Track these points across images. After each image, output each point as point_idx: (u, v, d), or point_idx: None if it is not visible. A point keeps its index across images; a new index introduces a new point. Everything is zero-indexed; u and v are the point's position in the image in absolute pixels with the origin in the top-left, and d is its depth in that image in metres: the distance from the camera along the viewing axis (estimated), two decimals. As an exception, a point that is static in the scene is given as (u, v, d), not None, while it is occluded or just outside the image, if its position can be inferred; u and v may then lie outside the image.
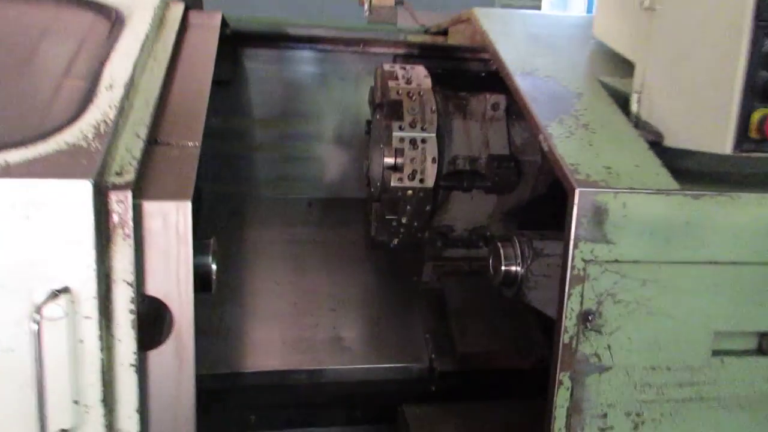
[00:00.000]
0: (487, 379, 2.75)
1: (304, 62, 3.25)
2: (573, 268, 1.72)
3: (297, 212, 3.28)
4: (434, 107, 2.53)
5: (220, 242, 3.01)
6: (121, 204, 1.55)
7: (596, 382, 1.80)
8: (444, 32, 3.28)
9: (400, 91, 2.53)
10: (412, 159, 2.45)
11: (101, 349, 1.56)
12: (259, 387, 2.71)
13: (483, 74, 3.18)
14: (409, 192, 2.47)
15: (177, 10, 2.40)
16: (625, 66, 2.21)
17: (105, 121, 1.66)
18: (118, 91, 1.78)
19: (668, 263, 1.77)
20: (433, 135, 2.45)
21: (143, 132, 1.75)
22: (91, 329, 1.54)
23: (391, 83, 2.55)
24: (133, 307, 1.60)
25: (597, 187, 1.71)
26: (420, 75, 2.62)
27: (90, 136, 1.61)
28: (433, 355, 2.79)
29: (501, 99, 2.68)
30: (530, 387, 2.65)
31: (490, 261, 2.41)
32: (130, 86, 1.84)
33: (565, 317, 1.74)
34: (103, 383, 1.58)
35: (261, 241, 3.13)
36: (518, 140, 2.71)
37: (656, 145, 1.96)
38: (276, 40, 3.17)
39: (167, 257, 1.64)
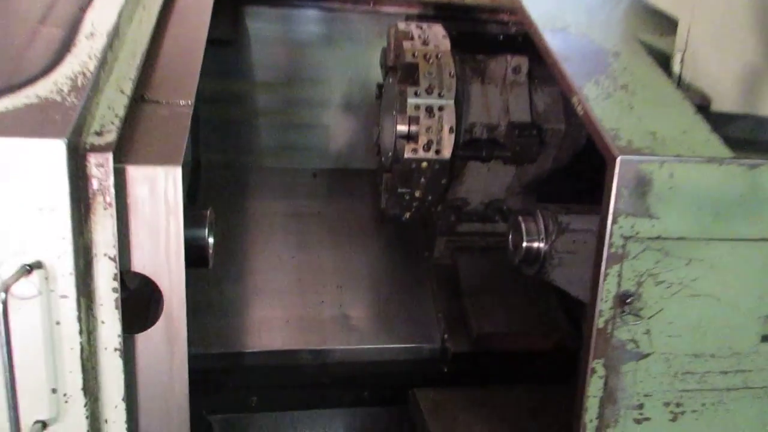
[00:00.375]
0: (504, 362, 2.58)
1: (310, 22, 3.03)
2: (611, 245, 1.53)
3: (302, 183, 3.10)
4: (452, 71, 2.30)
5: (219, 214, 2.82)
6: (101, 168, 1.36)
7: (633, 370, 1.62)
8: None
9: (416, 53, 2.30)
10: (428, 128, 2.24)
11: (80, 332, 1.39)
12: (260, 367, 2.55)
13: (501, 36, 2.97)
14: (424, 164, 2.28)
15: (170, -43, 2.18)
16: (666, 23, 1.99)
17: (83, 73, 1.46)
18: (100, 41, 1.58)
19: (717, 240, 1.58)
20: (452, 102, 2.24)
21: (128, 87, 1.55)
22: (68, 309, 1.37)
23: (407, 44, 2.33)
24: (116, 284, 1.42)
25: (640, 155, 1.51)
26: (438, 35, 2.40)
27: (65, 89, 1.41)
28: (446, 335, 2.63)
29: (523, 61, 2.46)
30: (551, 370, 2.50)
31: (510, 237, 2.23)
32: (114, 36, 1.63)
33: (601, 299, 1.56)
34: (84, 370, 1.41)
35: (263, 213, 2.95)
36: (541, 106, 2.49)
37: (703, 109, 1.75)
38: None
39: (155, 229, 1.45)
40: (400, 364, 2.64)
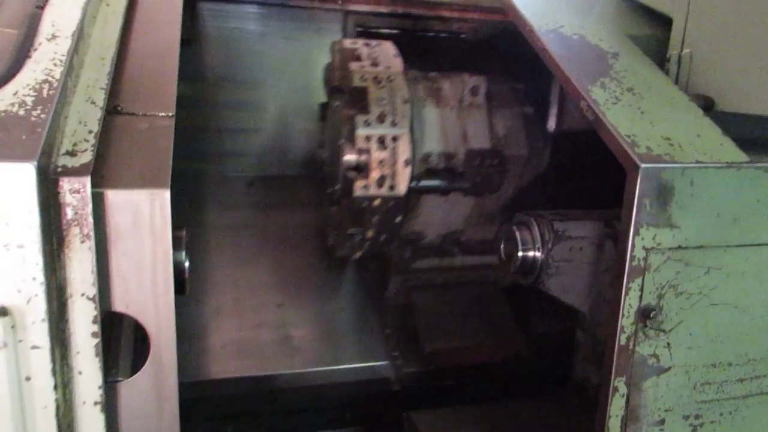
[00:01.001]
0: (457, 377, 2.46)
1: (248, 19, 2.83)
2: (633, 258, 1.45)
3: (237, 192, 2.81)
4: (406, 96, 2.05)
5: None
6: (76, 194, 1.17)
7: (654, 386, 1.55)
8: None
9: (365, 76, 2.04)
10: (380, 161, 1.98)
11: (55, 387, 1.19)
12: (195, 399, 2.33)
13: (464, 36, 2.83)
14: (377, 201, 2.02)
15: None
16: (657, 20, 1.94)
17: (49, 82, 1.26)
18: (65, 43, 1.37)
19: (734, 247, 1.53)
20: (407, 131, 1.99)
21: (100, 97, 1.35)
22: (41, 362, 1.17)
23: (354, 66, 2.07)
24: (96, 328, 1.23)
25: (662, 163, 1.43)
26: (389, 53, 2.14)
27: (29, 101, 1.20)
28: (395, 353, 2.46)
29: (481, 81, 2.26)
30: (507, 382, 2.43)
31: (501, 246, 2.13)
32: (80, 37, 1.43)
33: (623, 315, 1.48)
34: (60, 429, 1.21)
35: (195, 226, 2.69)
36: (500, 130, 2.28)
37: (707, 110, 1.70)
38: None
39: (140, 262, 1.27)
40: (350, 385, 2.46)
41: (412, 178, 2.10)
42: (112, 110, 1.39)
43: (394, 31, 2.81)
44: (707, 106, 1.72)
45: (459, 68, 2.49)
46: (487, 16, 2.77)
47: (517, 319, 2.54)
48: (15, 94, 1.20)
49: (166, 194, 1.24)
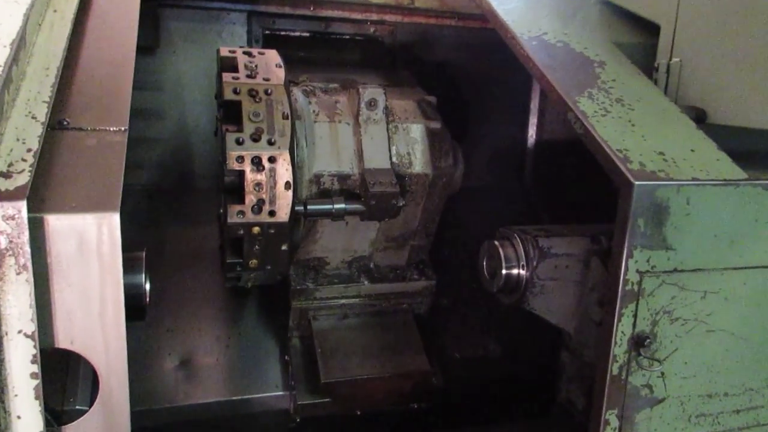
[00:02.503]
0: (360, 409, 2.29)
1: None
2: (626, 282, 1.36)
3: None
4: (287, 111, 1.82)
5: None
6: (11, 221, 1.04)
7: (647, 419, 1.46)
8: None
9: (238, 89, 1.81)
10: (256, 185, 1.74)
11: (-13, 437, 1.06)
12: None
13: (380, 38, 2.65)
14: (256, 229, 1.78)
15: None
16: (644, 28, 1.86)
17: (-20, 96, 1.13)
18: (2, 53, 1.24)
19: (732, 269, 1.44)
20: (286, 151, 1.75)
21: (42, 112, 1.22)
22: (-29, 409, 1.03)
23: (227, 77, 1.84)
24: (35, 369, 1.10)
25: (657, 180, 1.34)
26: (270, 63, 1.92)
27: (-44, 118, 1.07)
28: (292, 382, 2.25)
29: (378, 94, 2.06)
30: (411, 412, 2.30)
31: (484, 263, 2.03)
32: (21, 45, 1.29)
33: (615, 344, 1.38)
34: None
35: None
36: (402, 148, 2.09)
37: (699, 123, 1.62)
38: None
39: (86, 294, 1.14)
40: (248, 418, 2.28)
41: (301, 202, 1.92)
42: (57, 126, 1.26)
43: (304, 34, 2.68)
44: (699, 118, 1.63)
45: (369, 76, 2.34)
46: (408, 18, 2.68)
47: (430, 347, 2.36)
48: (-60, 108, 1.07)
49: (116, 217, 1.12)
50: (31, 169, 1.10)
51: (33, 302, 1.07)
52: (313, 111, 2.02)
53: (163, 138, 2.68)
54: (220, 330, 2.31)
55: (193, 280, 2.40)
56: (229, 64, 1.88)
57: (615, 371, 1.40)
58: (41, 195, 1.11)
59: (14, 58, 1.25)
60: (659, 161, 1.39)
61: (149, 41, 2.60)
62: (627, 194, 1.32)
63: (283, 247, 1.84)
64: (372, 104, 2.02)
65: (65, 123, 1.28)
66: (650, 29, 1.83)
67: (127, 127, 1.30)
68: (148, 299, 1.70)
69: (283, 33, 2.69)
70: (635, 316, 1.38)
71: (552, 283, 1.96)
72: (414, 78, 2.49)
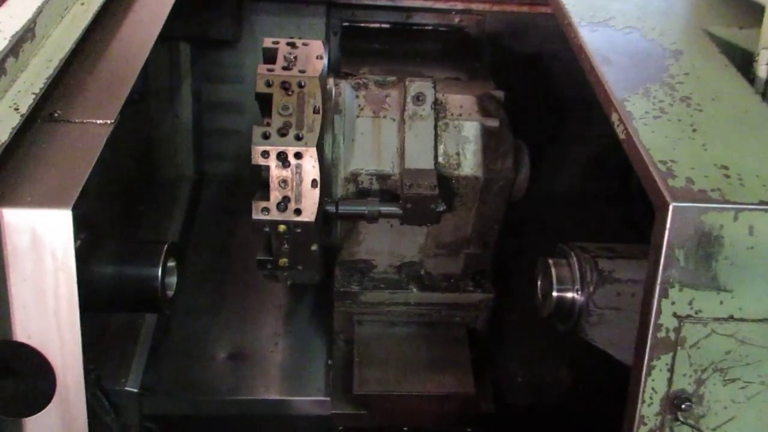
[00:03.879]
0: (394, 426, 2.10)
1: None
2: (658, 327, 1.09)
3: None
4: (318, 105, 1.70)
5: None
6: (-40, 213, 1.03)
7: (688, 500, 1.17)
8: None
9: (271, 81, 1.73)
10: (281, 181, 1.66)
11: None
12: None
13: (466, 29, 2.48)
14: (282, 227, 1.70)
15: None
16: (746, 11, 1.51)
17: (-42, 88, 1.14)
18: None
19: (817, 323, 1.10)
20: (313, 147, 1.65)
21: (26, 103, 1.22)
22: None
23: (262, 69, 1.76)
24: (-14, 362, 1.09)
25: (705, 201, 1.05)
26: (311, 55, 1.80)
27: (-76, 109, 1.08)
28: (331, 389, 2.12)
29: (426, 88, 1.89)
30: None
31: (539, 283, 1.79)
32: (24, 39, 1.30)
33: (642, 401, 1.11)
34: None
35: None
36: (452, 147, 1.91)
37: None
38: None
39: (41, 289, 1.11)
40: (293, 419, 2.15)
41: (333, 201, 1.80)
42: (47, 117, 1.26)
43: (384, 25, 2.57)
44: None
45: (440, 69, 2.17)
46: (498, 7, 2.48)
47: (483, 367, 2.14)
48: None
49: (67, 214, 1.07)
50: (-9, 160, 1.09)
51: (-16, 295, 1.06)
52: (359, 105, 1.90)
53: (243, 130, 2.71)
54: (273, 326, 2.27)
55: (257, 271, 2.40)
56: (270, 56, 1.81)
57: (643, 436, 1.13)
58: (2, 188, 1.10)
59: (11, 51, 1.26)
60: (717, 177, 1.10)
61: (232, 35, 2.62)
62: (661, 218, 1.05)
63: (313, 248, 1.75)
64: (419, 99, 1.87)
65: (56, 115, 1.27)
66: (754, 11, 1.49)
67: (113, 120, 1.26)
68: (171, 292, 1.70)
69: (362, 24, 2.59)
70: (671, 370, 1.10)
71: (613, 313, 1.68)
72: (487, 70, 2.28)
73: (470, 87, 2.02)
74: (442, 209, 1.80)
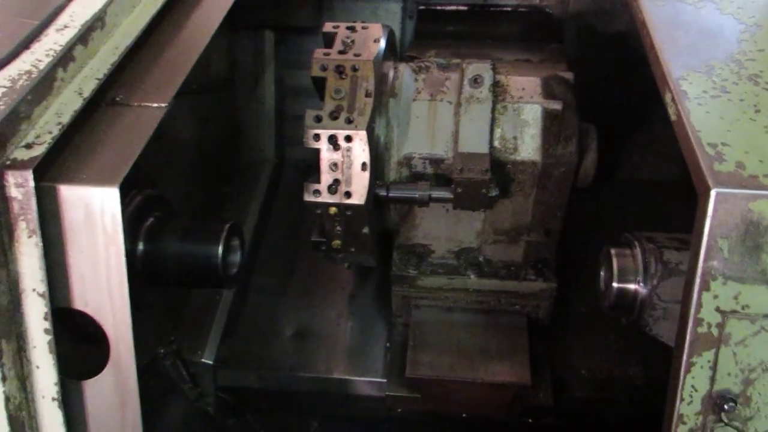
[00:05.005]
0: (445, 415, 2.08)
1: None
2: (699, 322, 1.01)
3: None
4: (370, 89, 1.70)
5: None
6: (20, 188, 1.13)
7: (734, 508, 1.08)
8: None
9: (326, 65, 1.74)
10: (332, 164, 1.68)
11: (3, 379, 1.18)
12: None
13: (548, 10, 2.38)
14: (332, 210, 1.73)
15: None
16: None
17: (30, 73, 1.25)
18: (69, 34, 1.36)
19: None
20: (363, 131, 1.65)
21: (89, 88, 1.31)
22: (-10, 353, 1.17)
23: (318, 53, 1.78)
24: (47, 325, 1.19)
25: (755, 188, 0.96)
26: (368, 39, 1.80)
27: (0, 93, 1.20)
28: (387, 371, 2.13)
29: (484, 70, 1.84)
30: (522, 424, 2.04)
31: (602, 273, 1.71)
32: (93, 28, 1.41)
33: (681, 399, 1.05)
34: (12, 423, 1.21)
35: None
36: (509, 131, 1.84)
37: None
38: None
39: (95, 261, 1.21)
40: (351, 399, 2.18)
41: (384, 185, 1.80)
42: (109, 102, 1.35)
43: (461, 8, 2.51)
44: None
45: (513, 51, 2.11)
46: None
47: (542, 358, 2.08)
48: (-8, 84, 1.20)
49: (115, 192, 1.16)
50: (52, 141, 1.18)
51: (43, 264, 1.16)
52: (416, 89, 1.88)
53: None
54: (338, 307, 2.32)
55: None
56: (329, 40, 1.83)
57: (683, 436, 1.06)
58: (62, 166, 1.19)
59: (80, 39, 1.36)
60: (772, 162, 1.00)
61: (312, 21, 2.68)
62: (703, 204, 0.97)
63: (365, 230, 1.76)
64: (477, 81, 1.82)
65: (117, 99, 1.36)
66: None
67: (167, 104, 1.34)
68: (234, 269, 1.78)
69: (438, 7, 2.56)
70: (714, 368, 1.03)
71: (679, 307, 1.57)
72: (566, 52, 2.18)
73: (538, 69, 1.95)
74: (495, 194, 1.76)
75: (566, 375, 2.08)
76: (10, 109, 1.16)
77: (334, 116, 1.69)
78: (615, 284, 1.60)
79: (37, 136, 1.20)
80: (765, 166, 1.00)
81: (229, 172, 2.72)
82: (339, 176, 1.69)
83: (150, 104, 1.34)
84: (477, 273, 2.03)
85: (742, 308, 1.00)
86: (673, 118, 1.13)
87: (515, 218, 1.95)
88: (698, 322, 1.01)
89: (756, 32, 1.29)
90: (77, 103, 1.28)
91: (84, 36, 1.37)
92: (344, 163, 1.68)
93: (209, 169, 2.51)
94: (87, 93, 1.30)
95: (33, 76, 1.24)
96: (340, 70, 1.74)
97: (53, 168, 1.18)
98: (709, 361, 1.03)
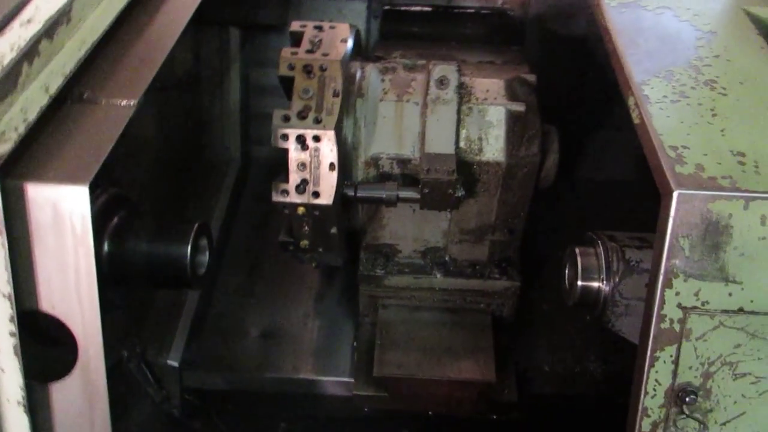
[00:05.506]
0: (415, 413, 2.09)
1: None
2: (662, 318, 1.05)
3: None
4: (338, 88, 1.71)
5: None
6: (-17, 188, 1.11)
7: (693, 498, 1.13)
8: None
9: (293, 64, 1.75)
10: (300, 164, 1.69)
11: (-34, 383, 1.15)
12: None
13: (510, 12, 2.43)
14: (300, 210, 1.73)
15: None
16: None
17: (-9, 70, 1.21)
18: (34, 28, 1.33)
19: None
20: (331, 131, 1.66)
21: (56, 84, 1.29)
22: (-50, 355, 1.14)
23: (285, 53, 1.78)
24: (12, 328, 1.17)
25: (713, 189, 1.01)
26: (336, 38, 1.82)
27: (-39, 90, 1.17)
28: (354, 370, 2.14)
29: (450, 71, 1.87)
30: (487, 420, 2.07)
31: (566, 271, 1.76)
32: (58, 22, 1.37)
33: (645, 393, 1.09)
34: (-26, 425, 1.18)
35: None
36: (474, 132, 1.87)
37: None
38: None
39: (63, 262, 1.19)
40: (317, 399, 2.19)
41: (352, 185, 1.81)
42: (77, 98, 1.33)
43: (425, 9, 2.54)
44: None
45: (475, 53, 2.15)
46: None
47: (507, 355, 2.12)
48: (-51, 81, 1.17)
49: (84, 191, 1.14)
50: (17, 138, 1.16)
51: (8, 264, 1.14)
52: (383, 89, 1.90)
53: None
54: (305, 306, 2.32)
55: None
56: (297, 39, 1.83)
57: (646, 428, 1.10)
58: (28, 164, 1.17)
59: (45, 33, 1.33)
60: (731, 165, 1.05)
61: (279, 19, 2.67)
62: (666, 205, 1.02)
63: (333, 230, 1.77)
64: (443, 82, 1.84)
65: (84, 96, 1.34)
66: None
67: (136, 101, 1.32)
68: (202, 270, 1.76)
69: (403, 8, 2.59)
70: (676, 362, 1.07)
71: (640, 304, 1.62)
72: (527, 54, 2.23)
73: (501, 71, 1.98)
74: (461, 195, 1.79)
75: (530, 371, 2.12)
76: (-28, 106, 1.13)
77: (302, 116, 1.69)
78: (579, 282, 1.65)
79: (2, 133, 1.17)
80: (723, 168, 1.04)
81: (194, 170, 2.69)
82: (307, 176, 1.69)
83: (119, 101, 1.33)
84: (443, 272, 2.06)
85: (702, 304, 1.05)
86: (636, 121, 1.17)
87: (480, 218, 1.98)
88: (661, 318, 1.05)
89: (711, 39, 1.35)
90: (43, 100, 1.25)
91: (49, 30, 1.34)
92: (312, 163, 1.68)
93: (173, 167, 2.48)
94: (53, 89, 1.28)
95: (-5, 72, 1.21)
96: (308, 70, 1.74)
97: (19, 166, 1.16)
98: (671, 356, 1.07)
